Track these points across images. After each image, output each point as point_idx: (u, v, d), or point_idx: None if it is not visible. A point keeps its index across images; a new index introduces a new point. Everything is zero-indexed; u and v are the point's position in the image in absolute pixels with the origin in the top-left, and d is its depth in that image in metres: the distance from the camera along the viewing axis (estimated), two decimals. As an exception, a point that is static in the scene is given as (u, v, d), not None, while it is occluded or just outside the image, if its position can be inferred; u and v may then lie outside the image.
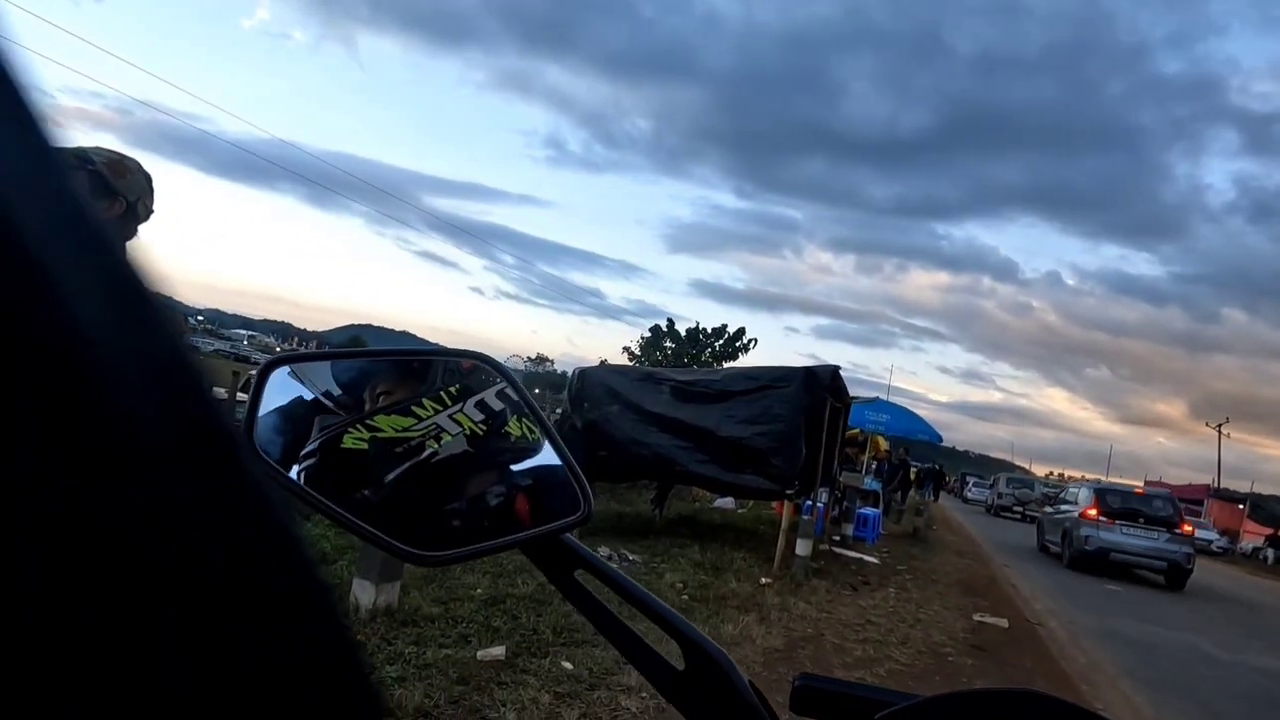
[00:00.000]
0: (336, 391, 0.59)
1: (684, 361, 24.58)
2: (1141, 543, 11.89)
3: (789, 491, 7.40)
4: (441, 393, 0.58)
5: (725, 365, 23.58)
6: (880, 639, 5.25)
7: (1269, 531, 30.13)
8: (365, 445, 0.56)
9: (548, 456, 0.60)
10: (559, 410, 8.68)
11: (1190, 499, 37.57)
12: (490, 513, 0.58)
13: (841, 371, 8.49)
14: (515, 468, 0.60)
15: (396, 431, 0.56)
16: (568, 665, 3.53)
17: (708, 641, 0.55)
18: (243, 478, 0.16)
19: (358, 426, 0.56)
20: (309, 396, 0.58)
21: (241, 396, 5.09)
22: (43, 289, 0.13)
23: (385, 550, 0.54)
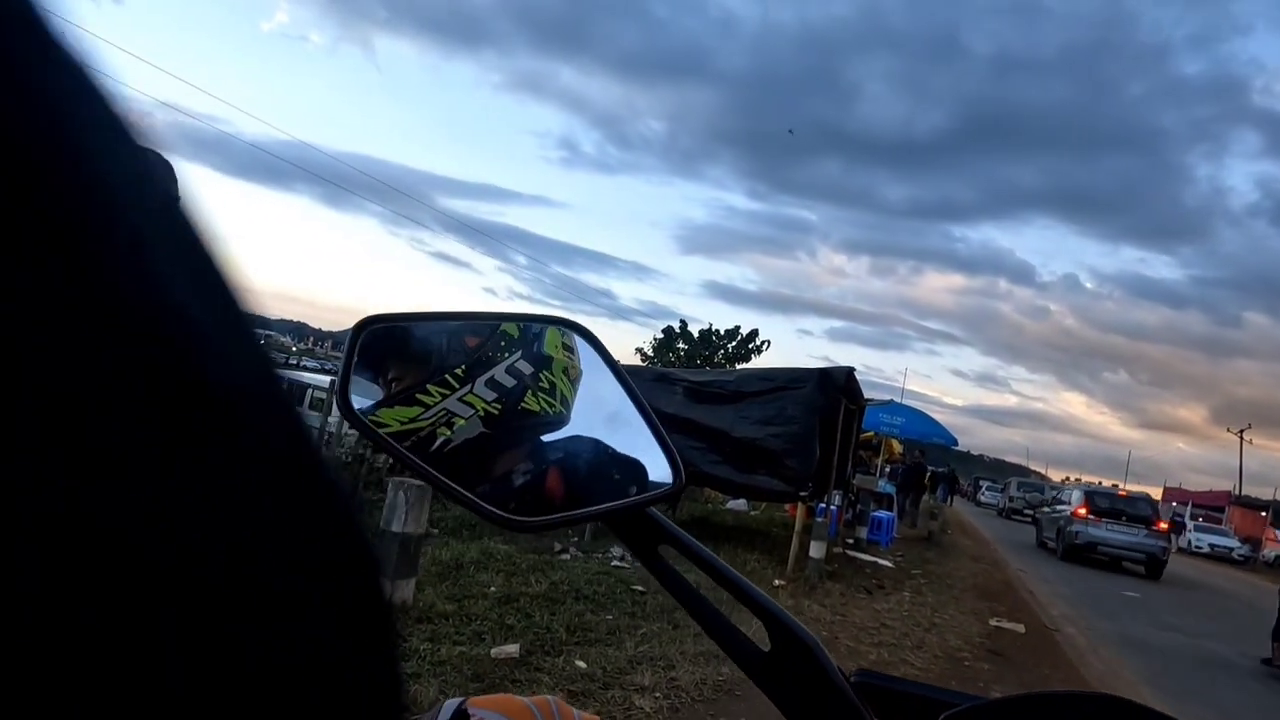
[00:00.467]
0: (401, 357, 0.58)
1: (697, 363, 24.55)
2: (1123, 538, 13.72)
3: (803, 494, 7.36)
4: (447, 376, 0.55)
5: (738, 367, 23.53)
6: (895, 643, 5.21)
7: (1292, 539, 29.62)
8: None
9: (613, 425, 0.58)
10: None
11: (1211, 506, 37.05)
12: (516, 492, 0.56)
13: (856, 374, 8.44)
14: (545, 439, 0.58)
15: (402, 424, 0.54)
16: (581, 664, 3.53)
17: (796, 624, 0.54)
18: (317, 463, 0.16)
19: (363, 424, 0.54)
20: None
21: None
22: (149, 279, 0.13)
23: (476, 513, 0.52)
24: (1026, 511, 29.92)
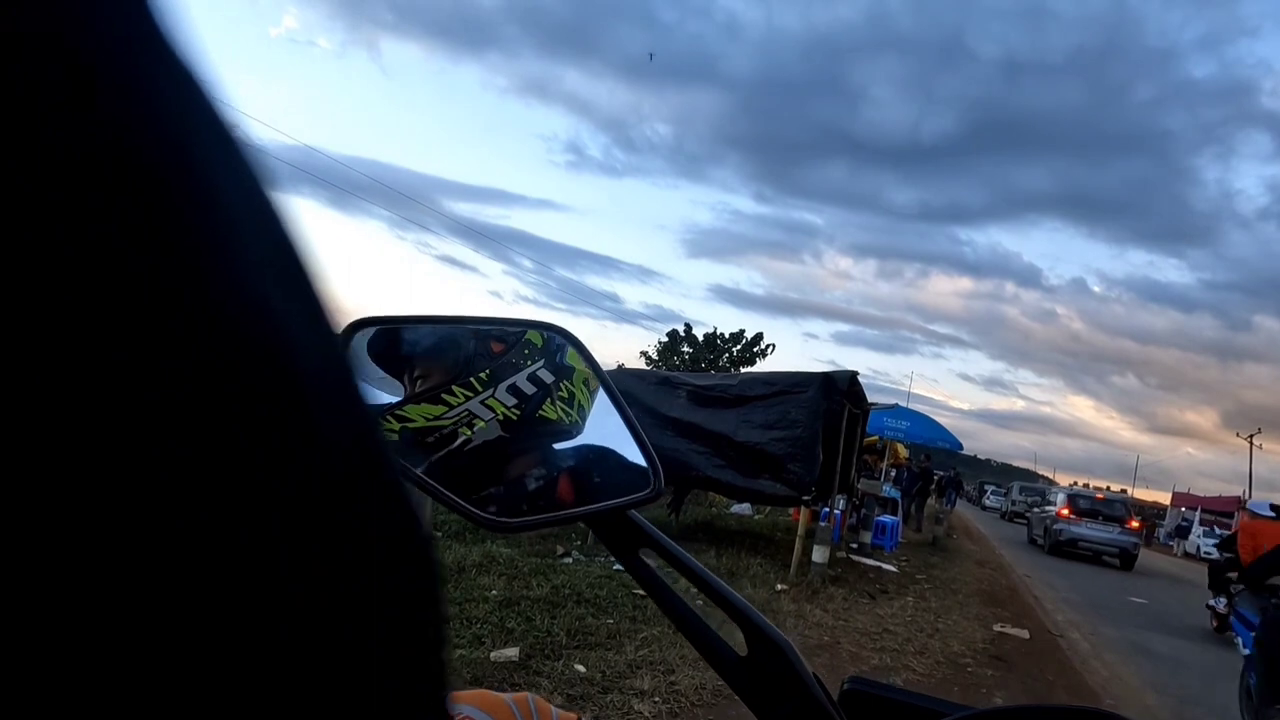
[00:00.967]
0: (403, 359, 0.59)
1: (701, 366, 24.55)
2: (1101, 534, 15.86)
3: (806, 498, 7.35)
4: (471, 379, 0.57)
5: (743, 371, 23.50)
6: (898, 648, 5.19)
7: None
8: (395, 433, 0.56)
9: (613, 433, 0.59)
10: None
11: (1220, 511, 36.68)
12: (528, 496, 0.58)
13: (861, 378, 8.42)
14: (558, 448, 0.60)
15: (427, 420, 0.56)
16: (580, 668, 3.53)
17: (772, 629, 0.55)
18: (386, 461, 0.18)
19: (388, 418, 0.56)
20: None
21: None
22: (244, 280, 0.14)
23: (461, 514, 0.54)
24: (1027, 514, 30.69)
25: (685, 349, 26.76)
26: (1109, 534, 15.87)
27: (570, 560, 6.16)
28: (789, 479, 7.25)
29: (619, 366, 14.97)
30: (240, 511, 0.13)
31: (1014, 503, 33.45)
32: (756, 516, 12.06)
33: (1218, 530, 30.27)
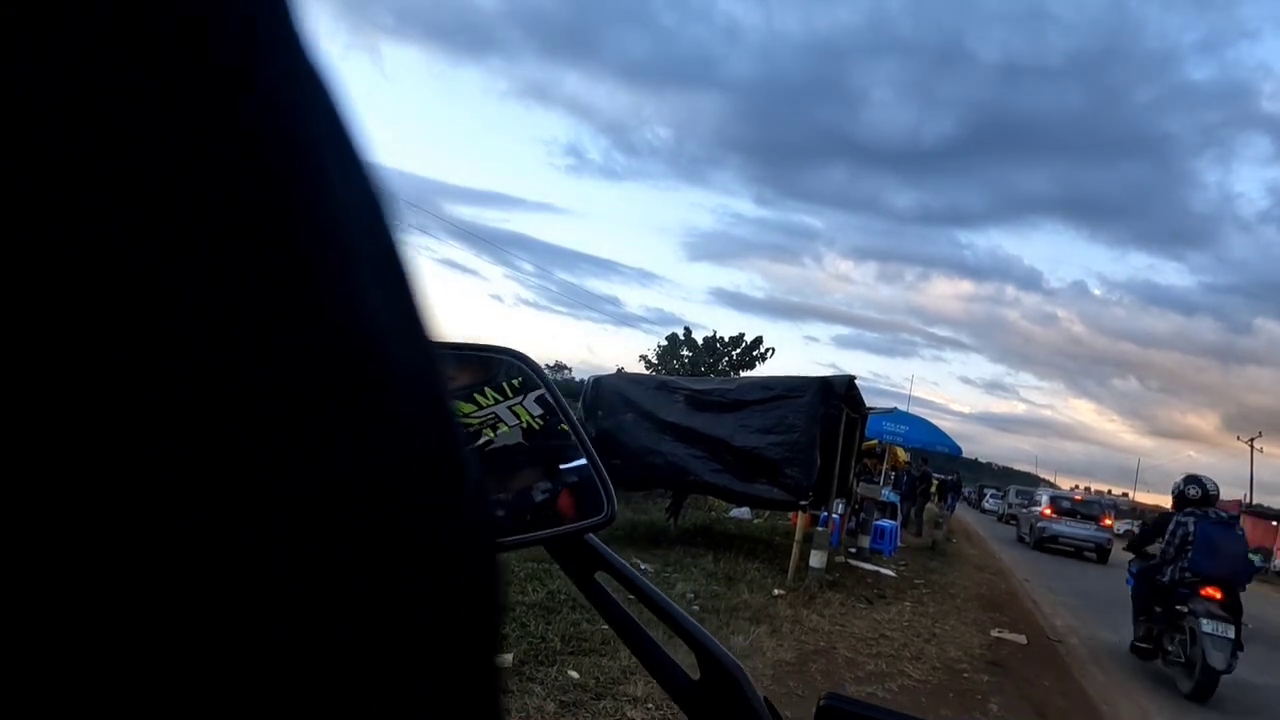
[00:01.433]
0: None
1: (701, 370, 24.53)
2: (1078, 531, 17.98)
3: (803, 503, 7.34)
4: (504, 384, 0.58)
5: (742, 374, 23.50)
6: (894, 654, 5.18)
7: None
8: None
9: (576, 457, 0.61)
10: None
11: (1221, 515, 36.62)
12: (534, 507, 0.59)
13: (862, 381, 8.44)
14: (563, 466, 0.61)
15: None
16: (574, 674, 3.53)
17: (724, 653, 0.55)
18: (462, 463, 0.19)
19: None
20: None
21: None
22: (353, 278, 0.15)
23: None
24: (1016, 515, 32.14)
25: (685, 352, 26.74)
26: (1086, 531, 17.97)
27: (567, 565, 6.15)
28: (786, 483, 7.25)
29: (619, 370, 14.98)
30: (337, 491, 0.14)
31: (1010, 505, 34.84)
32: (755, 521, 12.05)
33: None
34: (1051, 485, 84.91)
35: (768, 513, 11.82)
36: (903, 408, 17.59)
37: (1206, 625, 5.48)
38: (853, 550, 9.93)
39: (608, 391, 8.15)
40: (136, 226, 0.12)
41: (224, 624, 0.12)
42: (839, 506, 9.28)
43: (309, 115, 0.15)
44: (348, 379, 0.14)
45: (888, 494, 13.27)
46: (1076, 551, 18.04)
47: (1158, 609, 6.14)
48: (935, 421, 18.98)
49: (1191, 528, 5.90)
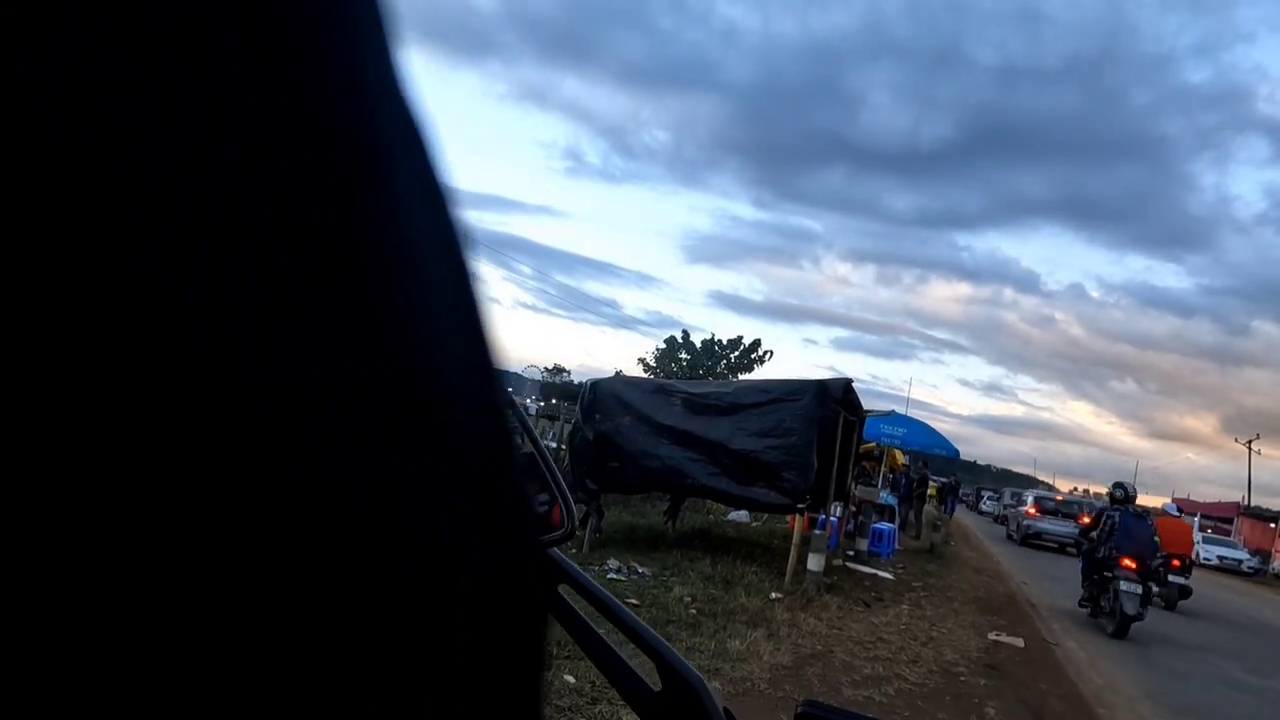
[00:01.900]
0: None
1: (699, 373, 24.52)
2: (1059, 528, 19.48)
3: (801, 506, 7.34)
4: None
5: (741, 377, 23.49)
6: (891, 657, 5.17)
7: (1302, 551, 29.31)
8: None
9: (537, 472, 0.61)
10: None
11: (1220, 517, 36.61)
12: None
13: (860, 384, 8.45)
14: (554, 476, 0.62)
15: None
16: (570, 679, 3.52)
17: (684, 664, 0.55)
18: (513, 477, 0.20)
19: None
20: None
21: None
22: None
23: None
24: (1006, 514, 33.32)
25: (683, 355, 26.73)
26: (1065, 528, 19.27)
27: (564, 569, 6.15)
28: (784, 487, 7.24)
29: (617, 373, 14.96)
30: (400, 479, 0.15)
31: (1005, 507, 35.73)
32: (754, 524, 12.04)
33: (1214, 535, 30.41)
34: (1050, 487, 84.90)
35: (766, 516, 11.82)
36: (901, 410, 17.60)
37: (1124, 586, 7.73)
38: (851, 553, 9.93)
39: (605, 395, 8.15)
40: (136, 226, 0.12)
41: (224, 624, 0.12)
42: (837, 509, 9.28)
43: (374, 118, 0.16)
44: (372, 382, 0.15)
45: (886, 497, 13.27)
46: (1060, 547, 19.24)
47: (1095, 576, 8.44)
48: (934, 424, 19.07)
49: (1117, 520, 8.32)
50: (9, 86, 0.11)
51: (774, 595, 6.36)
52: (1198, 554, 28.64)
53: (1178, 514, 12.03)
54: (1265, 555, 29.69)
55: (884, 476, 15.13)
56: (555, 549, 0.60)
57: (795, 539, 7.29)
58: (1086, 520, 20.37)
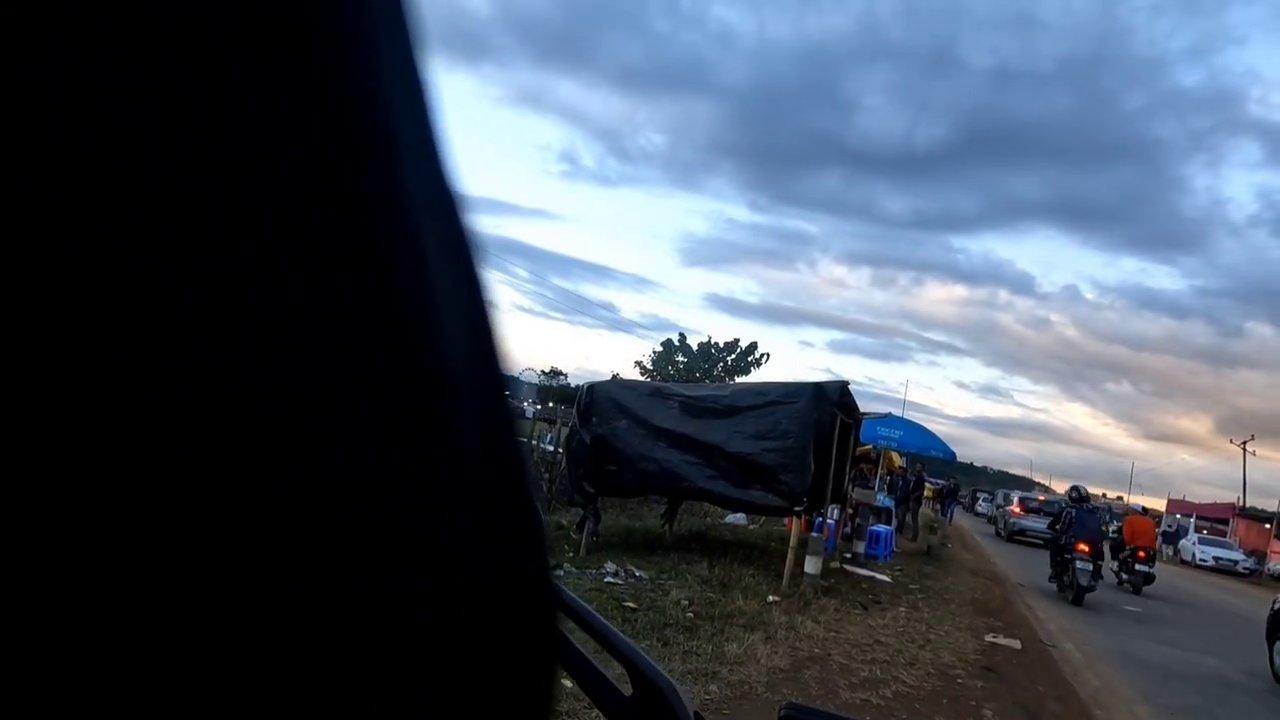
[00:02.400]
0: None
1: (696, 376, 24.54)
2: (1042, 526, 20.09)
3: (798, 508, 7.35)
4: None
5: (737, 380, 23.52)
6: (888, 659, 5.17)
7: (1297, 551, 29.42)
8: None
9: None
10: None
11: (1215, 518, 36.76)
12: None
13: (857, 386, 8.46)
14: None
15: None
16: (566, 683, 3.51)
17: (654, 669, 0.55)
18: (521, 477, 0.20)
19: None
20: None
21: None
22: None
23: None
24: (994, 514, 35.89)
25: (680, 358, 26.76)
26: (1045, 525, 21.81)
27: (561, 573, 6.14)
28: (781, 489, 7.25)
29: (614, 376, 14.97)
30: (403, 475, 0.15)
31: (998, 507, 36.37)
32: (751, 527, 12.04)
33: (1210, 535, 30.59)
34: (1046, 489, 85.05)
35: (763, 519, 11.82)
36: (897, 412, 17.64)
37: (1079, 564, 10.20)
38: (848, 556, 9.94)
39: (602, 398, 8.15)
40: (137, 226, 0.12)
41: (225, 623, 0.12)
42: (834, 512, 9.28)
43: (385, 117, 0.16)
44: (373, 382, 0.15)
45: (883, 499, 13.28)
46: (1044, 543, 20.62)
47: (1058, 559, 10.96)
48: (930, 426, 19.06)
49: (1073, 515, 10.85)
50: (9, 86, 0.11)
51: (771, 598, 6.36)
52: (1194, 554, 29.02)
53: (1143, 513, 14.43)
54: (1261, 556, 29.80)
55: (881, 479, 15.15)
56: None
57: (792, 541, 7.30)
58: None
